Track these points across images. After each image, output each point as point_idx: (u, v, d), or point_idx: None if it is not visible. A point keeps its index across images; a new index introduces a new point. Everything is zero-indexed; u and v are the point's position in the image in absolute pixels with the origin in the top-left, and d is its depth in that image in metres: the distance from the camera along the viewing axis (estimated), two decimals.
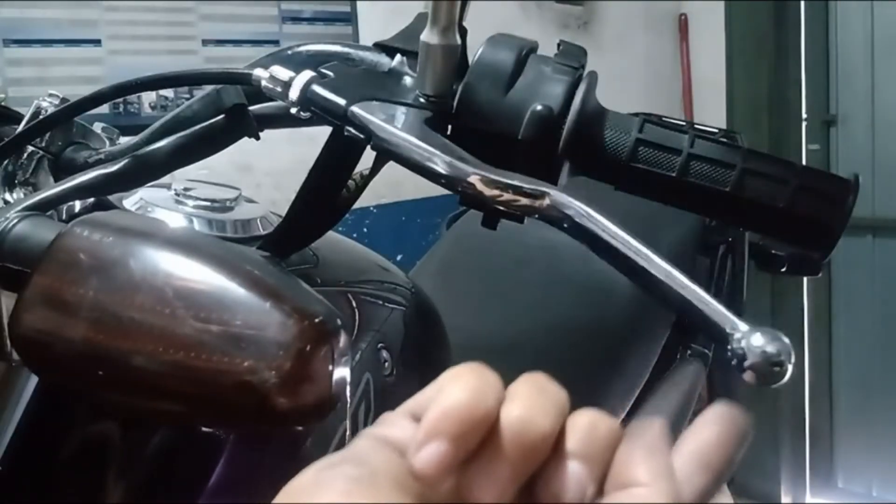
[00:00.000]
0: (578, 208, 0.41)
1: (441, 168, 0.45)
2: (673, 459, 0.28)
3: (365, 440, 0.28)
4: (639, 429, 0.28)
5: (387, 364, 0.59)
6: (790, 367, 0.30)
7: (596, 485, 0.26)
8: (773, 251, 1.11)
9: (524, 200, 0.43)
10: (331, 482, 0.25)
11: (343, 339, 0.46)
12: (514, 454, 0.25)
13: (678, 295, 0.36)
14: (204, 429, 0.50)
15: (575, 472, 0.26)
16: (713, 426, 0.29)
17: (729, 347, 0.31)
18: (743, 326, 0.32)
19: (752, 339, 0.31)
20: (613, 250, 0.39)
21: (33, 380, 0.52)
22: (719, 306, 0.34)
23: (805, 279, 2.44)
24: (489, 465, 0.25)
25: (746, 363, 0.30)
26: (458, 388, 0.26)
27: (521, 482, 0.26)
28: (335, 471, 0.25)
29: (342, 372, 0.45)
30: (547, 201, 0.42)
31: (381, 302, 0.64)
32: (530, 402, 0.26)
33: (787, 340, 0.30)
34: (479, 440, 0.26)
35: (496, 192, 0.43)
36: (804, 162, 2.50)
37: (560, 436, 0.27)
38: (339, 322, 0.46)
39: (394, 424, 0.28)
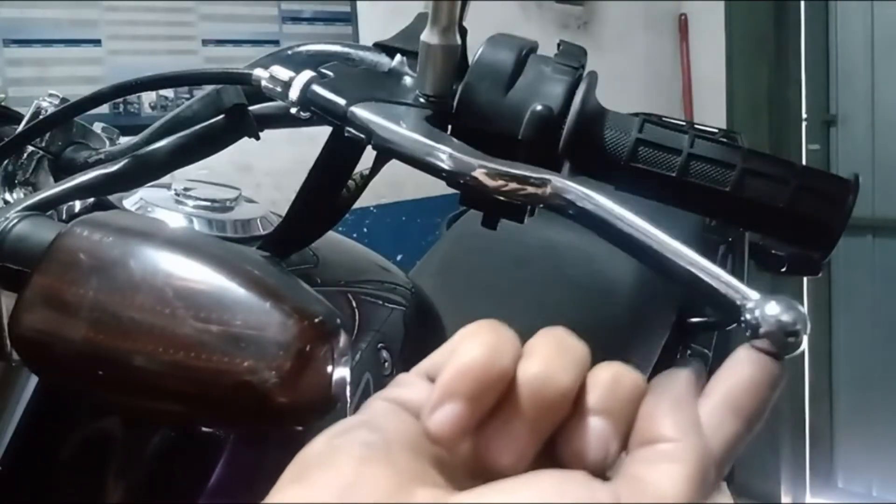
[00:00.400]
0: (579, 192, 0.41)
1: (443, 162, 0.45)
2: (701, 404, 0.27)
3: (379, 403, 0.27)
4: (664, 382, 0.27)
5: (387, 364, 0.59)
6: (805, 338, 0.29)
7: (619, 441, 0.25)
8: (773, 251, 1.11)
9: (528, 189, 0.43)
10: (345, 448, 0.24)
11: (343, 339, 0.46)
12: (532, 412, 0.24)
13: (687, 271, 0.35)
14: (204, 429, 0.50)
15: (597, 428, 0.25)
16: (743, 369, 0.28)
17: (742, 318, 0.30)
18: (755, 295, 0.31)
19: (766, 308, 0.29)
20: (620, 232, 0.39)
21: (33, 380, 0.52)
22: (730, 277, 0.33)
23: (805, 279, 2.44)
24: (507, 424, 0.25)
25: (761, 331, 0.29)
26: (473, 346, 0.25)
27: (542, 441, 0.25)
28: (349, 436, 0.25)
29: (342, 372, 0.45)
30: (549, 189, 0.42)
31: (381, 302, 0.64)
32: (548, 357, 0.25)
33: (802, 309, 0.29)
34: (496, 399, 0.25)
35: (500, 182, 0.43)
36: (804, 162, 2.50)
37: (581, 391, 0.26)
38: (339, 322, 0.46)
39: (408, 385, 0.28)
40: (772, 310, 0.29)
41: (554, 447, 0.26)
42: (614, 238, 0.39)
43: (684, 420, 0.26)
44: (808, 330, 0.29)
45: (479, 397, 0.24)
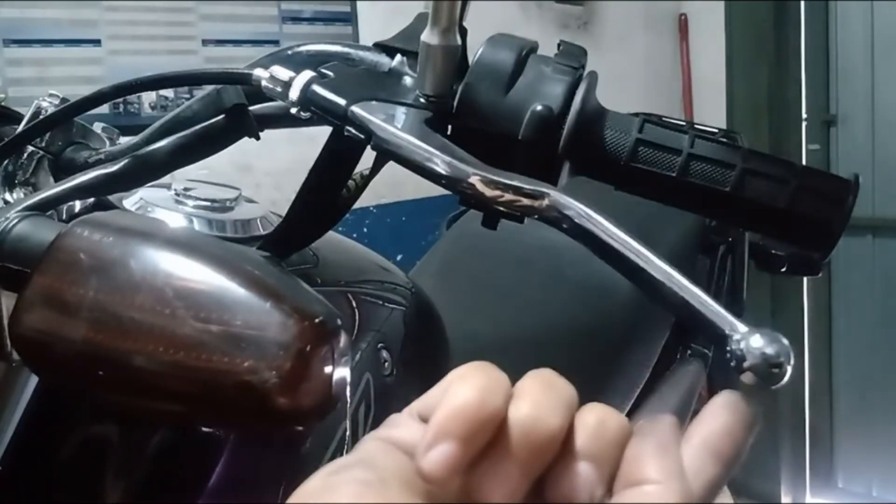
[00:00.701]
0: (578, 209, 0.41)
1: (441, 168, 0.45)
2: (683, 449, 0.28)
3: (372, 442, 0.28)
4: (648, 425, 0.28)
5: (387, 364, 0.59)
6: (789, 369, 0.30)
7: (605, 484, 0.26)
8: (773, 251, 1.11)
9: (524, 201, 0.43)
10: (341, 486, 0.25)
11: (343, 339, 0.46)
12: (523, 453, 0.25)
13: (677, 296, 0.36)
14: (204, 429, 0.50)
15: (584, 472, 0.26)
16: (721, 415, 0.29)
17: (728, 349, 0.31)
18: (742, 328, 0.32)
19: (751, 341, 0.30)
20: (613, 251, 0.39)
21: (33, 380, 0.52)
22: (718, 307, 0.34)
23: (805, 279, 2.44)
24: (498, 464, 0.25)
25: (745, 364, 0.30)
26: (465, 388, 0.26)
27: (531, 481, 0.26)
28: (344, 475, 0.25)
29: (342, 372, 0.45)
30: (546, 202, 0.42)
31: (381, 302, 0.64)
32: (538, 399, 0.26)
33: (786, 342, 0.30)
34: (487, 440, 0.25)
35: (496, 192, 0.43)
36: (804, 162, 2.50)
37: (569, 433, 0.26)
38: (339, 322, 0.46)
39: (401, 426, 0.28)
40: (756, 342, 0.30)
41: (542, 487, 0.26)
42: (607, 256, 0.40)
43: (669, 464, 0.26)
44: (792, 361, 0.30)
45: (471, 438, 0.25)
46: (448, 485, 0.25)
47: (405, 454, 0.27)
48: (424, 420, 0.27)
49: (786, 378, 0.30)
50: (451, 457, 0.25)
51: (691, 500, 0.26)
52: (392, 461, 0.26)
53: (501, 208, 0.44)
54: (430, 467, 0.25)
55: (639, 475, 0.26)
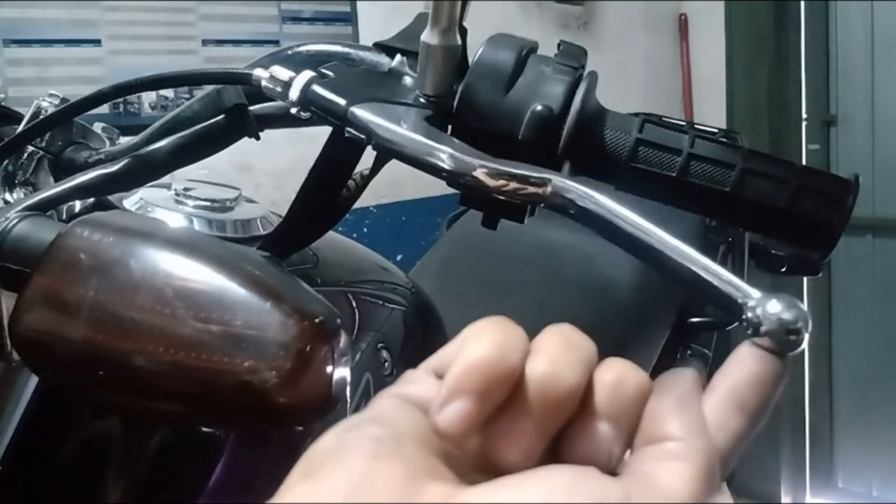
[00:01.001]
0: (581, 191, 0.41)
1: (444, 162, 0.45)
2: (706, 401, 0.27)
3: (387, 399, 0.27)
4: (668, 381, 0.27)
5: (387, 364, 0.59)
6: (807, 336, 0.29)
7: (624, 443, 0.26)
8: (773, 251, 1.11)
9: (529, 189, 0.43)
10: (355, 444, 0.24)
11: (343, 339, 0.46)
12: (539, 410, 0.25)
13: (687, 269, 0.35)
14: (204, 429, 0.50)
15: (602, 431, 0.25)
16: (747, 365, 0.28)
17: (743, 317, 0.30)
18: (756, 293, 0.31)
19: (767, 306, 0.29)
20: (620, 231, 0.39)
21: (33, 380, 0.52)
22: (731, 276, 0.33)
23: (805, 279, 2.44)
24: (515, 421, 0.25)
25: (762, 329, 0.29)
26: (481, 343, 0.25)
27: (549, 438, 0.25)
28: (359, 432, 0.25)
29: (342, 372, 0.45)
30: (550, 188, 0.42)
31: (381, 302, 0.64)
32: (556, 356, 0.25)
33: (803, 307, 0.29)
34: (503, 396, 0.25)
35: (501, 182, 0.43)
36: (804, 162, 2.50)
37: (588, 390, 0.26)
38: (339, 322, 0.46)
39: (416, 382, 0.28)
40: (773, 308, 0.29)
41: (559, 446, 0.26)
42: (615, 237, 0.39)
43: (689, 419, 0.26)
44: (810, 328, 0.29)
45: (487, 394, 0.24)
46: (464, 442, 0.25)
47: (420, 411, 0.26)
48: (440, 376, 0.26)
49: (803, 344, 0.29)
50: (467, 413, 0.24)
51: (714, 455, 0.25)
52: (407, 418, 0.26)
53: (505, 198, 0.44)
54: (445, 424, 0.24)
55: (659, 432, 0.25)
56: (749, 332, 0.30)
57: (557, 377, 0.25)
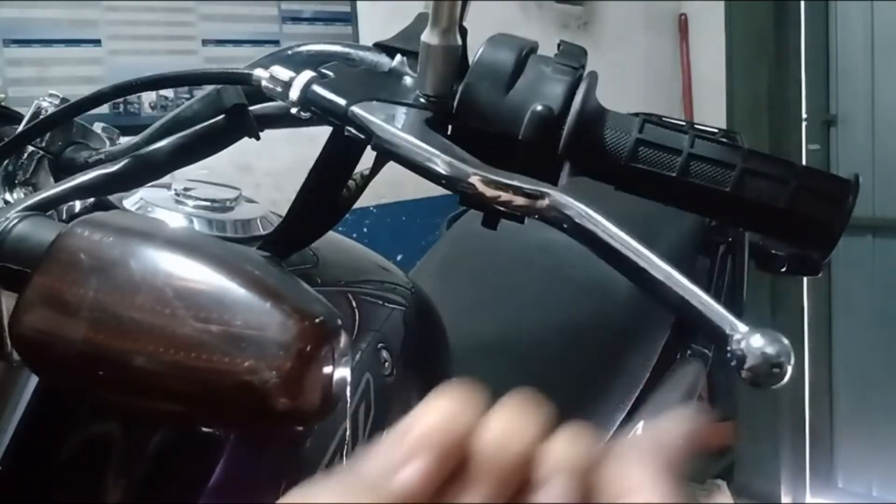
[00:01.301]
0: (578, 209, 0.41)
1: (441, 168, 0.45)
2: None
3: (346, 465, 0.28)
4: (627, 445, 0.28)
5: (387, 364, 0.59)
6: (790, 369, 0.30)
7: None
8: (773, 251, 1.11)
9: (524, 201, 0.43)
10: (322, 485, 0.25)
11: (343, 339, 0.46)
12: (489, 478, 0.26)
13: (677, 296, 0.36)
14: (204, 429, 0.50)
15: (552, 498, 0.26)
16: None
17: (728, 349, 0.31)
18: (742, 328, 0.32)
19: (751, 341, 0.30)
20: (613, 251, 0.39)
21: (33, 380, 0.52)
22: (719, 307, 0.34)
23: (805, 279, 2.44)
24: (466, 489, 0.26)
25: (746, 364, 0.30)
26: (437, 411, 0.26)
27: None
28: (320, 483, 0.26)
29: (342, 372, 0.45)
30: (546, 202, 0.42)
31: (381, 302, 0.64)
32: (508, 425, 0.26)
33: (786, 342, 0.30)
34: (455, 463, 0.26)
35: (496, 192, 0.43)
36: (804, 162, 2.50)
37: (541, 457, 0.26)
38: (339, 322, 0.46)
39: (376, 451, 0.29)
40: (757, 342, 0.30)
41: None
42: (608, 257, 0.40)
43: (649, 481, 0.26)
44: (793, 361, 0.30)
45: (439, 460, 0.25)
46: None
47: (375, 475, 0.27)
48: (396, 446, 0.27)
49: (786, 378, 0.30)
50: (420, 476, 0.25)
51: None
52: (362, 475, 0.26)
53: (501, 208, 0.44)
54: (399, 486, 0.25)
55: (616, 496, 0.26)
56: (733, 364, 0.30)
57: (506, 447, 0.26)
